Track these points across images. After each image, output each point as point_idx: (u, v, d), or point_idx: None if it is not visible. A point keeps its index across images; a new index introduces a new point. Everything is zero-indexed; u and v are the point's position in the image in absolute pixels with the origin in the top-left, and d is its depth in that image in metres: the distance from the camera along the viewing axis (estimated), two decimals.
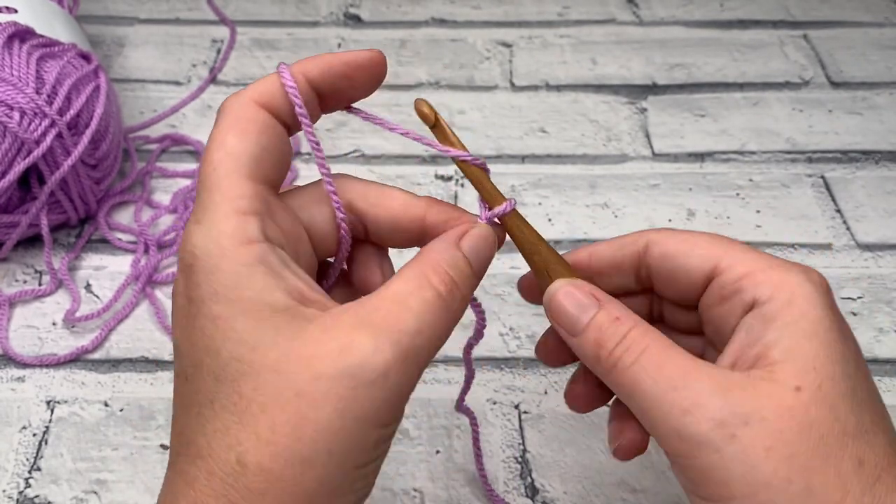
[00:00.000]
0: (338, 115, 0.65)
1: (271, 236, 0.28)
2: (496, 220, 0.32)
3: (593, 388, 0.34)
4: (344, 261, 0.32)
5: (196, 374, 0.27)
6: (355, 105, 0.32)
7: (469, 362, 0.37)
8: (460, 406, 0.40)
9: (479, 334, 0.35)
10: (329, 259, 0.33)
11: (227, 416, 0.26)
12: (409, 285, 0.28)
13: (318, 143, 0.30)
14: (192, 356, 0.27)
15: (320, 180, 0.31)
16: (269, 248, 0.27)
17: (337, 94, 0.30)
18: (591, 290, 0.31)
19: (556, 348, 0.35)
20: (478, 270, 0.30)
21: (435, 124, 0.31)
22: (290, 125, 0.30)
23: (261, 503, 0.25)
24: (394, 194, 0.31)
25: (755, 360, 0.28)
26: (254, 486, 0.25)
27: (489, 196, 0.32)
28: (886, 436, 0.27)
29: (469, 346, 0.36)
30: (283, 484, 0.25)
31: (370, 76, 0.30)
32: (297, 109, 0.29)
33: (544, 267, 0.33)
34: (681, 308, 0.34)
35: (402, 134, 0.32)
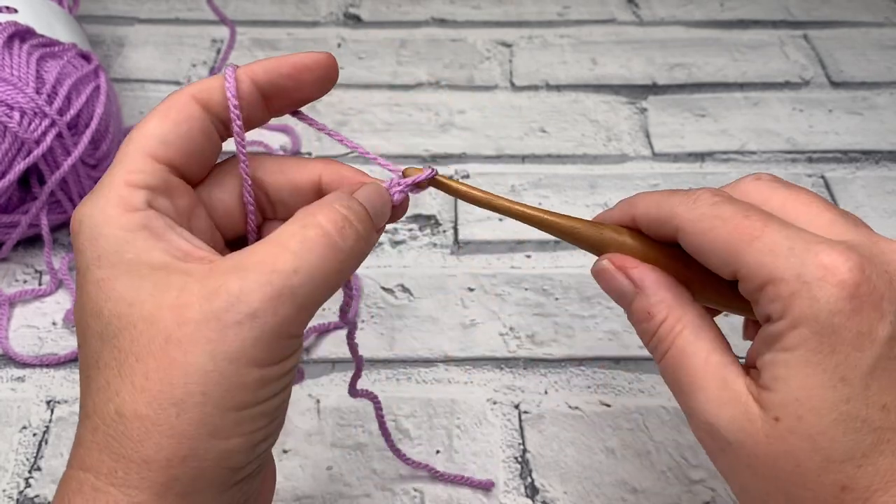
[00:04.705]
0: (337, 116, 0.65)
1: (160, 208, 0.28)
2: (409, 187, 0.32)
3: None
4: (254, 233, 0.32)
5: (84, 339, 0.27)
6: (302, 110, 0.32)
7: (353, 349, 0.37)
8: (354, 392, 0.39)
9: (344, 315, 0.35)
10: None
11: (108, 372, 0.26)
12: (292, 227, 0.27)
13: (242, 137, 0.30)
14: (82, 322, 0.27)
15: (225, 161, 0.32)
16: (155, 215, 0.28)
17: (284, 94, 0.31)
18: (627, 270, 0.32)
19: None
20: (375, 218, 0.30)
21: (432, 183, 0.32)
22: (228, 122, 0.30)
23: (141, 450, 0.25)
24: (290, 159, 0.32)
25: (759, 373, 0.28)
26: (133, 435, 0.25)
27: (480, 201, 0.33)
28: None
29: (348, 335, 0.36)
30: (159, 428, 0.25)
31: (317, 78, 0.30)
32: (231, 103, 0.29)
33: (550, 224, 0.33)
34: None
35: (348, 146, 0.33)
